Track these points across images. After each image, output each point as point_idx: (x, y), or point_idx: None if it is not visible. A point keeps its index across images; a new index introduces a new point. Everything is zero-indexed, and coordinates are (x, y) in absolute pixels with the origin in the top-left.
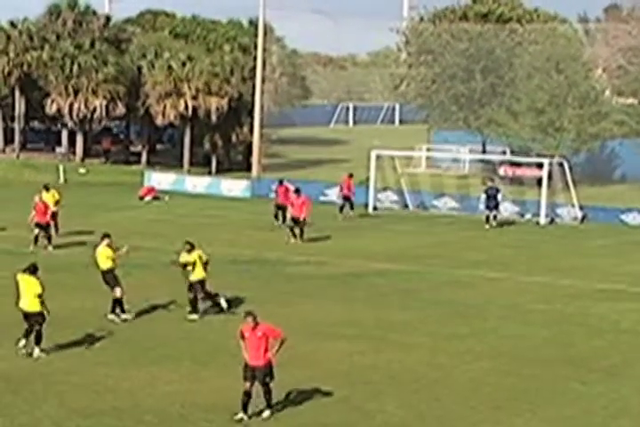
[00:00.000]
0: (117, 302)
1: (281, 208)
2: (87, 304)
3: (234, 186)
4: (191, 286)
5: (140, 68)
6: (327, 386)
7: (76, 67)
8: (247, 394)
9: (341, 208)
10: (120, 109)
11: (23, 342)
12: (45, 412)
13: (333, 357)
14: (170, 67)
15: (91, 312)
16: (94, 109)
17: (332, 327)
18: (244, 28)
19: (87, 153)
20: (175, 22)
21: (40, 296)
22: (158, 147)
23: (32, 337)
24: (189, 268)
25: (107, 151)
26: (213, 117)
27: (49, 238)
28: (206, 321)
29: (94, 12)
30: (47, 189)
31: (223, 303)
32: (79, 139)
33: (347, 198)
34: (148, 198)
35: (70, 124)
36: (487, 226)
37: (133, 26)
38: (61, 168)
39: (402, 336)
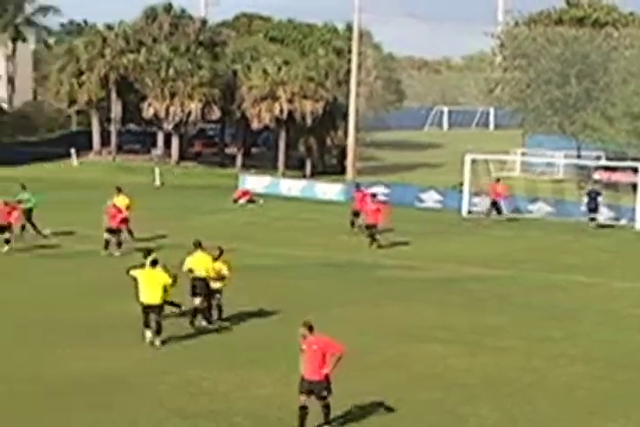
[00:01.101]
0: (199, 311)
1: (357, 214)
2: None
3: (328, 189)
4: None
5: (235, 72)
6: (420, 389)
7: (171, 70)
8: (303, 408)
9: (488, 213)
10: (215, 113)
11: (149, 333)
12: (144, 412)
13: (427, 360)
14: (265, 70)
15: (185, 314)
16: (190, 113)
17: (426, 330)
18: (338, 32)
19: (183, 156)
20: (270, 26)
21: (166, 288)
22: (253, 150)
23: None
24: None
25: (198, 154)
26: (308, 121)
27: (119, 244)
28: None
29: (190, 16)
30: (120, 191)
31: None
32: (175, 141)
33: (494, 203)
34: (242, 201)
35: (166, 126)
36: (591, 225)
37: (229, 29)
38: (157, 171)
39: (496, 340)
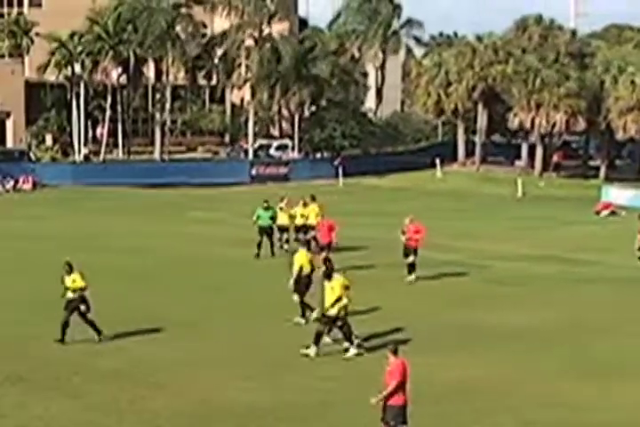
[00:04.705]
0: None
1: None
2: (533, 318)
3: None
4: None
5: (602, 83)
6: None
7: (538, 81)
8: None
9: None
10: (580, 124)
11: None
12: (491, 421)
13: None
14: (633, 81)
15: (532, 327)
16: (554, 124)
17: None
18: None
19: (546, 167)
20: None
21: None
22: (617, 162)
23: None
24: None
25: (557, 165)
26: None
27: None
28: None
29: (560, 27)
30: (313, 199)
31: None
32: (539, 153)
33: None
34: (604, 213)
35: (531, 138)
36: None
37: (597, 40)
38: (519, 182)
39: None
